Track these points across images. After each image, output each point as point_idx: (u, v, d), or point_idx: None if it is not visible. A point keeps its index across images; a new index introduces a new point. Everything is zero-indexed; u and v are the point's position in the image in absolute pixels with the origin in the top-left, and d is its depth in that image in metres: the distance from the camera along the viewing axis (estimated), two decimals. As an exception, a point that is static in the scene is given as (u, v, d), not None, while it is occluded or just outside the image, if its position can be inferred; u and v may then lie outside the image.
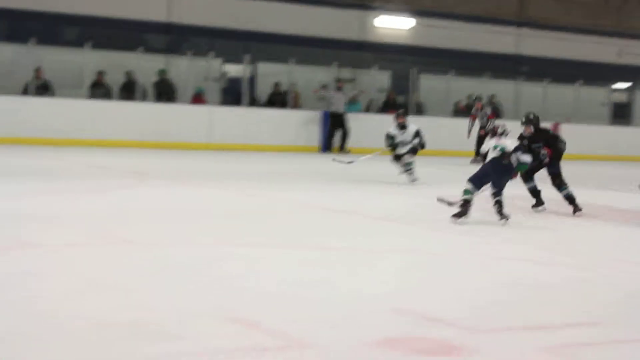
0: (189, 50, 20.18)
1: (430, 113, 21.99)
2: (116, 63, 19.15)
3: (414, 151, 11.97)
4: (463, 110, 22.00)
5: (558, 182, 9.43)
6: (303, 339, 3.98)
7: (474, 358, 3.86)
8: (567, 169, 9.65)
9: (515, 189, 9.35)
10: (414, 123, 12.31)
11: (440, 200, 8.38)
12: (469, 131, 18.09)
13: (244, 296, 4.81)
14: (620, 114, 25.04)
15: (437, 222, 8.14)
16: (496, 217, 8.19)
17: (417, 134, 11.97)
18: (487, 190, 8.27)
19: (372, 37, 24.21)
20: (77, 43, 19.11)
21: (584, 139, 21.81)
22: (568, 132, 17.46)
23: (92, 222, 7.32)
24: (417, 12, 24.38)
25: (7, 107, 17.18)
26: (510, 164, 8.22)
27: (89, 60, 18.91)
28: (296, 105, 20.82)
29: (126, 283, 5.03)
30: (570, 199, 9.42)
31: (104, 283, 4.98)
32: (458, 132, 18.98)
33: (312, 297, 4.87)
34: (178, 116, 18.81)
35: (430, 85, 22.80)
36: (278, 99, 20.65)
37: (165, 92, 19.44)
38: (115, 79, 19.00)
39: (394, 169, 12.33)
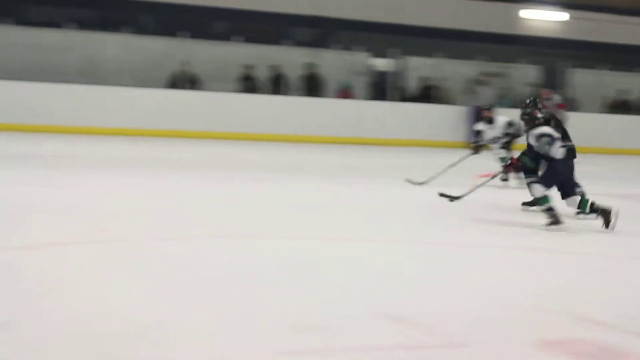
0: (336, 44, 20.04)
1: (583, 109, 21.09)
2: (263, 56, 19.23)
3: (507, 144, 11.38)
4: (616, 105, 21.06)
5: None
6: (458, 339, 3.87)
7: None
8: None
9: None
10: (503, 115, 11.72)
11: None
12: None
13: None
14: None
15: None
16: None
17: (511, 124, 11.32)
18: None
19: (519, 30, 23.42)
20: (224, 37, 19.28)
21: None
22: None
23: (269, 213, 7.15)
24: (568, 5, 23.45)
25: (154, 100, 17.51)
26: None
27: (236, 53, 19.03)
28: (445, 100, 20.37)
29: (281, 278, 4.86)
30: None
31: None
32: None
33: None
34: (325, 110, 18.71)
35: (581, 79, 21.91)
36: (426, 93, 20.25)
37: (313, 86, 19.38)
38: (261, 73, 19.07)
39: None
